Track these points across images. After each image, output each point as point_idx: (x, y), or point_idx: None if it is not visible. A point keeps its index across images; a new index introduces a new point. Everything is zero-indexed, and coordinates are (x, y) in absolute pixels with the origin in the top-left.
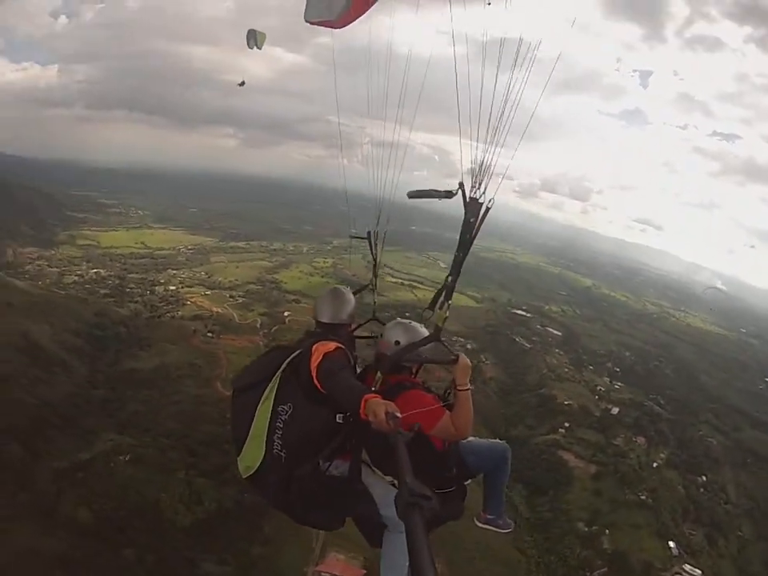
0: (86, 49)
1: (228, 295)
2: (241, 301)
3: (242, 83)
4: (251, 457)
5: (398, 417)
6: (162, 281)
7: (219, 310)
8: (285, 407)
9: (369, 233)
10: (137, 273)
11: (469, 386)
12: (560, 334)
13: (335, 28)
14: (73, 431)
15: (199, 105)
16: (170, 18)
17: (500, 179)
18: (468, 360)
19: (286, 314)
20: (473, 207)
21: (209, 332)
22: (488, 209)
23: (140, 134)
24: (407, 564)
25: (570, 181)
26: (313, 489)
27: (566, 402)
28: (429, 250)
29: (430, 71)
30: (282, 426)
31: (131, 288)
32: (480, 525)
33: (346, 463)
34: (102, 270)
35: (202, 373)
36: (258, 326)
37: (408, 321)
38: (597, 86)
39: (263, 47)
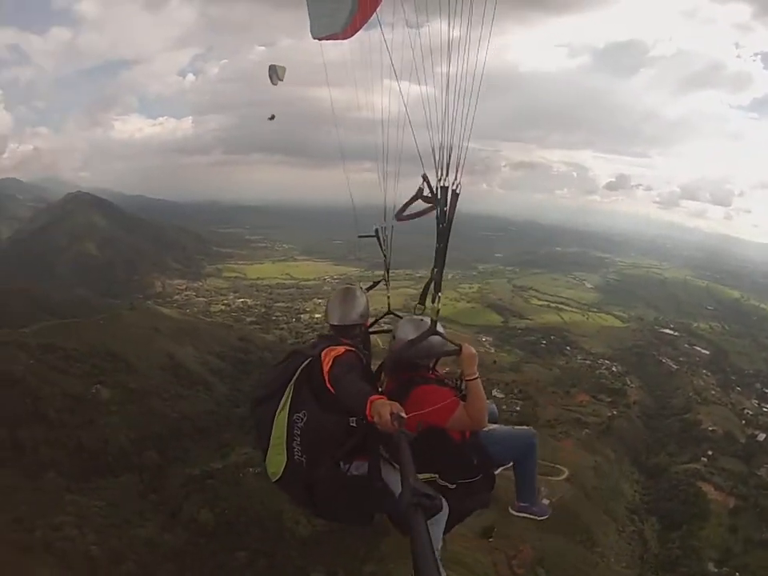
0: (216, 100)
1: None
2: (386, 327)
3: (272, 117)
4: (275, 463)
5: (402, 417)
6: (308, 309)
7: None
8: (300, 415)
9: (376, 230)
10: (283, 302)
11: (476, 374)
12: (707, 352)
13: (343, 40)
14: (208, 443)
15: (334, 142)
16: (293, 65)
17: (461, 162)
18: (472, 349)
19: None
20: (443, 196)
21: None
22: (456, 195)
23: (280, 173)
24: (436, 551)
25: (709, 185)
26: (336, 490)
27: (710, 428)
28: (574, 271)
29: (554, 86)
30: (299, 433)
31: (277, 316)
32: (515, 513)
33: (366, 463)
34: (248, 300)
35: None
36: None
37: (419, 317)
38: (720, 77)
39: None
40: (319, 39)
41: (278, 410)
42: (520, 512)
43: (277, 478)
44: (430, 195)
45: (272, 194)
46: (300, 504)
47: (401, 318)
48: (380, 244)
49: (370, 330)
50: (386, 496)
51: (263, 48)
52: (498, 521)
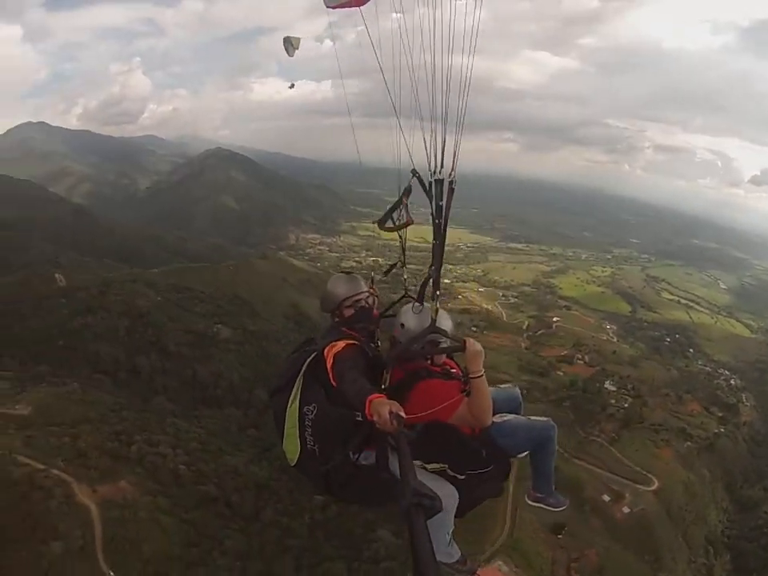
0: (353, 66)
1: (501, 294)
2: (512, 301)
3: (292, 86)
4: (290, 451)
5: (401, 417)
6: None
7: (489, 308)
8: (310, 408)
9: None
10: (414, 264)
11: (482, 372)
12: None
13: (357, 6)
14: None
15: (476, 111)
16: (429, 33)
17: (456, 155)
18: (478, 345)
19: (554, 319)
20: (437, 190)
21: (473, 326)
22: (452, 189)
23: (415, 137)
24: (447, 536)
25: None
26: (347, 477)
27: None
28: (710, 268)
29: (699, 65)
30: (310, 425)
31: (405, 278)
32: (530, 503)
33: (374, 453)
34: (380, 259)
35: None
36: (524, 327)
37: (420, 308)
38: None
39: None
40: (332, 7)
41: (290, 402)
42: (535, 502)
43: (293, 463)
44: (405, 194)
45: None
46: (317, 488)
47: (415, 301)
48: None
49: (386, 315)
50: (393, 485)
51: (397, 14)
52: (573, 519)
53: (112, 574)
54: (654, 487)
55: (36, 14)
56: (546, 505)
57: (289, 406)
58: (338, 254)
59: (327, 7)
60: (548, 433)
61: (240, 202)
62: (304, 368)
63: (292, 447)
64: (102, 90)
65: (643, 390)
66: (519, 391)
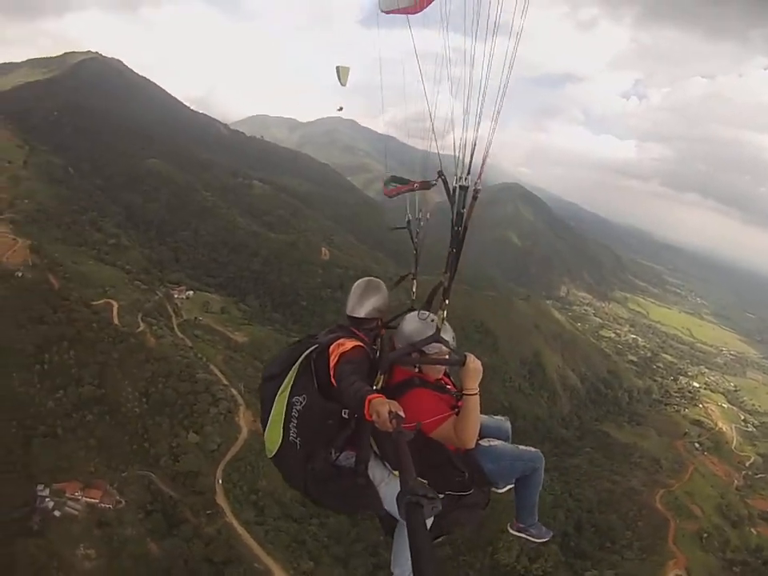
0: (656, 129)
1: (742, 418)
2: (750, 429)
3: (341, 109)
4: (271, 440)
5: (400, 416)
6: (690, 374)
7: (723, 428)
8: (299, 398)
9: (408, 221)
10: (670, 355)
11: (476, 390)
12: None
13: (413, 14)
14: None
15: None
16: (736, 105)
17: (485, 159)
18: (478, 363)
19: None
20: (460, 196)
21: (697, 442)
22: (476, 197)
23: (711, 221)
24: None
25: None
26: (323, 476)
27: None
28: None
29: None
30: (296, 415)
31: (657, 366)
32: (513, 533)
33: (355, 455)
34: (639, 338)
35: (659, 476)
36: (748, 464)
37: (425, 314)
38: None
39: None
40: (387, 12)
41: (280, 391)
42: (518, 532)
43: (272, 454)
44: (423, 187)
45: (700, 240)
46: (292, 483)
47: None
48: (411, 237)
49: (390, 324)
50: (369, 492)
51: (703, 80)
52: None
53: (220, 482)
54: None
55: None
56: (529, 536)
57: (279, 394)
58: (600, 321)
59: (382, 11)
60: (535, 464)
61: (523, 240)
62: (301, 358)
63: (274, 436)
64: (411, 104)
65: None
66: (510, 426)
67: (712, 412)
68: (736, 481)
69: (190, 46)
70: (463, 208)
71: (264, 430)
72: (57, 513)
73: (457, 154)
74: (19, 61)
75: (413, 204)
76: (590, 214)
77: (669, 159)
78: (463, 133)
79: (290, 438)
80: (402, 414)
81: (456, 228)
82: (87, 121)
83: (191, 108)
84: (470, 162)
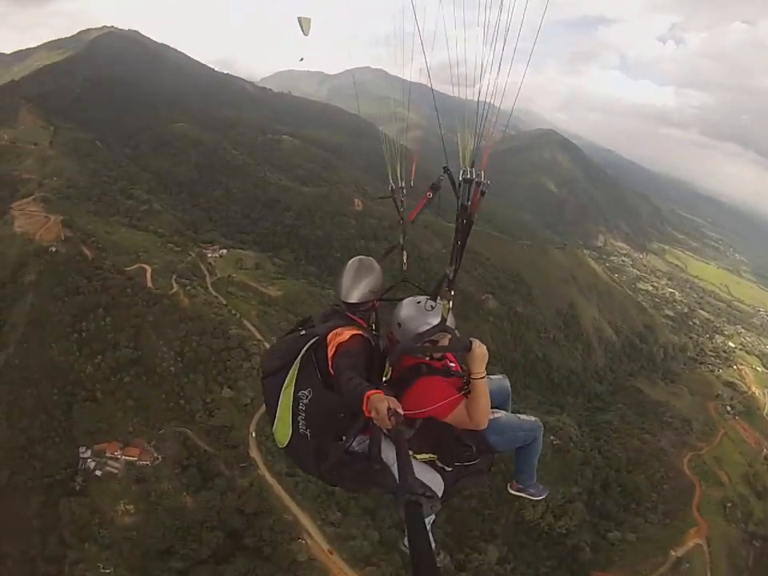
0: (695, 76)
1: None
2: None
3: (302, 59)
4: (281, 434)
5: (399, 413)
6: (726, 333)
7: (756, 392)
8: (305, 392)
9: (391, 189)
10: (707, 312)
11: (483, 374)
12: None
13: None
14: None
15: None
16: None
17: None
18: (483, 347)
19: None
20: (465, 189)
21: (729, 405)
22: (483, 191)
23: (752, 174)
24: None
25: None
26: (338, 463)
27: None
28: None
29: None
30: (304, 409)
31: (694, 323)
32: (512, 492)
33: (368, 438)
34: (676, 293)
35: (689, 437)
36: None
37: (420, 301)
38: None
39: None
40: None
41: (285, 385)
42: (517, 492)
43: (283, 446)
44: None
45: (740, 194)
46: (306, 470)
47: (416, 287)
48: (396, 206)
49: (383, 298)
50: (385, 475)
51: (743, 25)
52: None
53: (253, 434)
54: None
55: None
56: (527, 495)
57: (283, 389)
58: (638, 273)
59: None
60: (535, 433)
61: (560, 188)
62: (303, 351)
63: (283, 429)
64: (442, 51)
65: None
66: (509, 384)
67: (746, 375)
68: (765, 450)
69: (207, 10)
70: (468, 201)
71: (272, 424)
72: (98, 472)
73: (486, 101)
74: (35, 45)
75: (394, 171)
76: (627, 161)
77: (709, 107)
78: (493, 77)
79: (300, 430)
80: (400, 410)
81: (462, 221)
82: (109, 94)
83: (215, 69)
84: (495, 118)
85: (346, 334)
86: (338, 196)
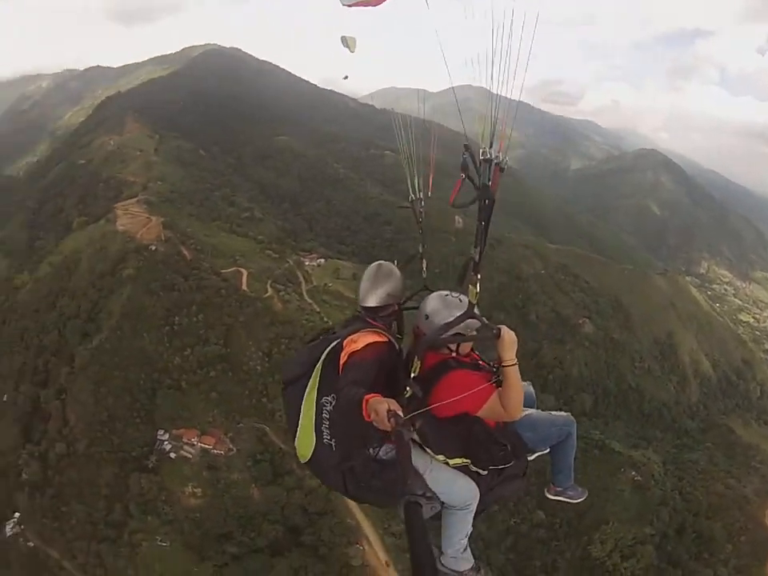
0: None
1: None
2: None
3: (346, 77)
4: (303, 446)
5: (399, 415)
6: None
7: None
8: (328, 398)
9: (411, 200)
10: None
11: (515, 360)
12: None
13: (372, 5)
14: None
15: None
16: None
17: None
18: (512, 333)
19: None
20: (485, 169)
21: None
22: (502, 169)
23: None
24: (463, 539)
25: None
26: (365, 474)
27: None
28: None
29: None
30: (327, 417)
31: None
32: (550, 497)
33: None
34: None
35: None
36: None
37: (447, 293)
38: None
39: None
40: (349, 6)
41: (306, 393)
42: (556, 496)
43: (306, 460)
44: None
45: None
46: (330, 485)
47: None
48: (416, 216)
49: (404, 306)
50: (415, 482)
51: None
52: None
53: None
54: None
55: None
56: (566, 498)
57: (305, 397)
58: (740, 303)
59: (343, 5)
60: (569, 428)
61: (662, 210)
62: (323, 356)
63: (306, 441)
64: (544, 69)
65: None
66: (533, 390)
67: None
68: None
69: (307, 29)
70: (488, 180)
71: (294, 437)
72: (172, 455)
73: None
74: (142, 60)
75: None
76: (732, 184)
77: None
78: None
79: (324, 440)
80: (400, 412)
81: (483, 201)
82: (213, 108)
83: (317, 86)
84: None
85: (361, 341)
86: (439, 212)
